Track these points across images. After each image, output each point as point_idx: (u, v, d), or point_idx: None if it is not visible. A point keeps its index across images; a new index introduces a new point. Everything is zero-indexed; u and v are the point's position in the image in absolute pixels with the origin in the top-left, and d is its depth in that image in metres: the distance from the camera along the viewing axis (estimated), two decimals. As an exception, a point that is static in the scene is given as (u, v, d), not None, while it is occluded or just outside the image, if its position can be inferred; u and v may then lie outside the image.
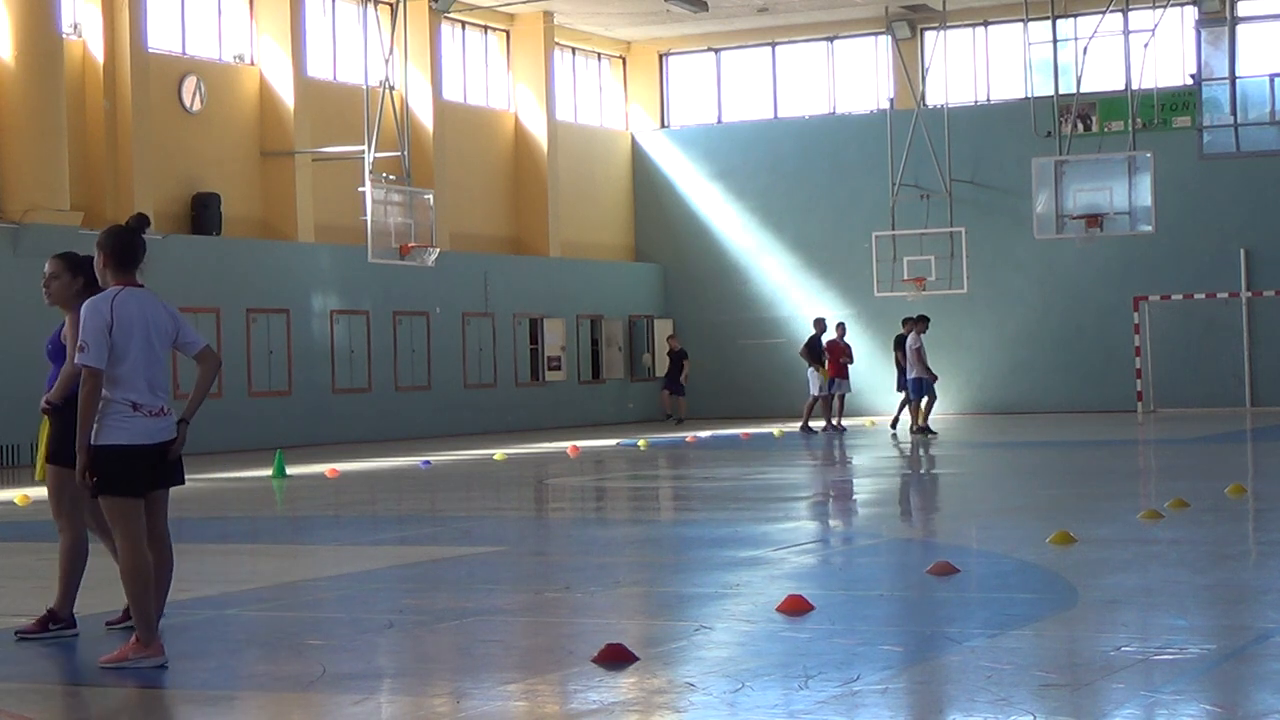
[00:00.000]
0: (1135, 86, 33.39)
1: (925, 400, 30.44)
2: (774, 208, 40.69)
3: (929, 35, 39.48)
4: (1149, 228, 31.81)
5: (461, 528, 15.85)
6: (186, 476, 8.68)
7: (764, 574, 11.41)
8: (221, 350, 30.27)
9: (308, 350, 32.19)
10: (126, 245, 8.37)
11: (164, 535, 8.56)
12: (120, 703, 7.64)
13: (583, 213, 40.42)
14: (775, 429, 32.87)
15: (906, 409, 31.04)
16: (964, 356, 38.54)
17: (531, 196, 39.07)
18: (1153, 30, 32.93)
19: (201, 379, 8.47)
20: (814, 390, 31.51)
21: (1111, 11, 33.28)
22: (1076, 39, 34.54)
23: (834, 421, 31.66)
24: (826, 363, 31.69)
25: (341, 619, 9.87)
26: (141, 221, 8.49)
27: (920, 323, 30.48)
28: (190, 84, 31.33)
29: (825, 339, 32.14)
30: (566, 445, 28.44)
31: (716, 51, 41.76)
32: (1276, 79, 29.45)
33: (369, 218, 29.90)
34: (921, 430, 29.54)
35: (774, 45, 41.17)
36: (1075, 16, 35.89)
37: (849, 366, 32.50)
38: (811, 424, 31.58)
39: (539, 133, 39.00)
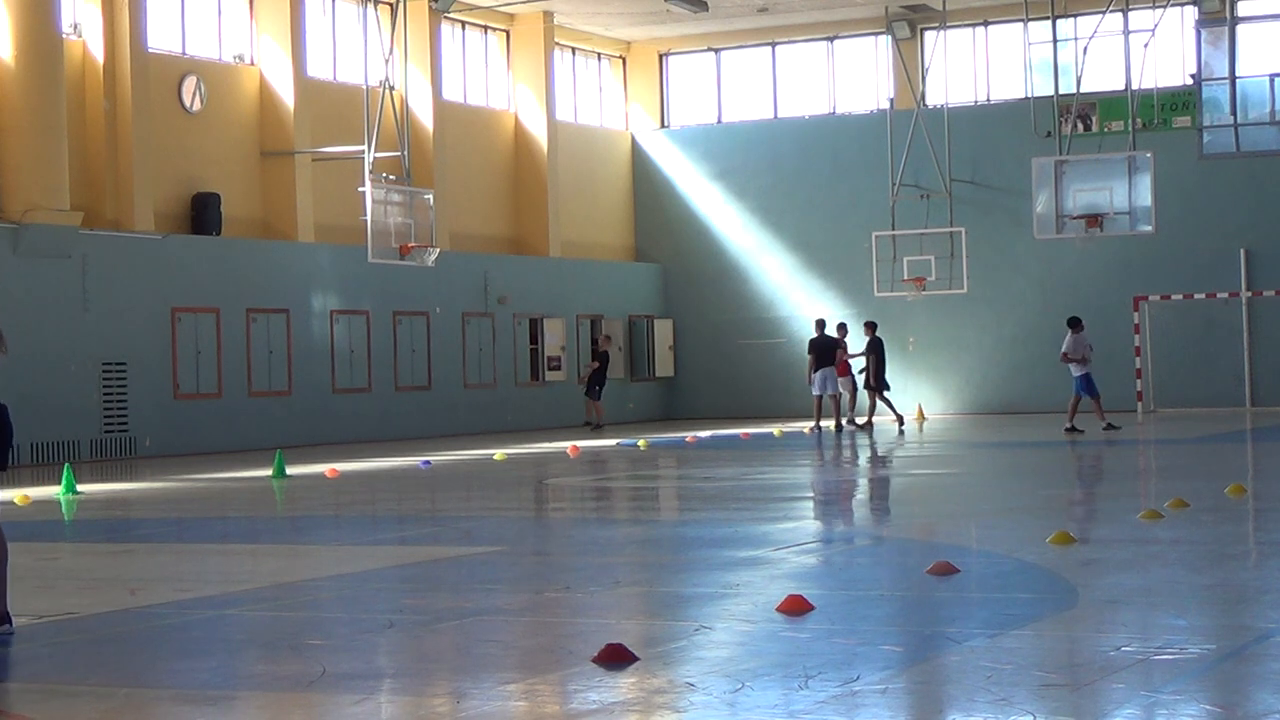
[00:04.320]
0: (1135, 86, 33.36)
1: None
2: (774, 208, 40.68)
3: (929, 35, 39.47)
4: (1149, 228, 31.78)
5: (461, 528, 15.84)
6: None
7: (764, 574, 11.40)
8: (221, 350, 30.31)
9: (308, 350, 32.18)
10: None
11: None
12: (120, 703, 7.64)
13: (583, 213, 40.41)
14: (775, 429, 32.88)
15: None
16: (964, 356, 38.54)
17: (531, 196, 39.07)
18: (1153, 30, 32.91)
19: None
20: (843, 390, 31.42)
21: (1111, 11, 33.26)
22: (1076, 39, 34.53)
23: (821, 424, 31.69)
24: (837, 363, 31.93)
25: (341, 619, 9.88)
26: None
27: (1078, 325, 29.46)
28: (190, 84, 31.32)
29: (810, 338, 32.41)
30: (566, 445, 28.44)
31: (716, 51, 41.75)
32: (1276, 79, 29.43)
33: (369, 218, 29.88)
34: (1110, 426, 28.68)
35: (774, 45, 41.16)
36: (1075, 16, 35.89)
37: (848, 367, 32.82)
38: (858, 419, 31.58)
39: (539, 133, 38.99)
